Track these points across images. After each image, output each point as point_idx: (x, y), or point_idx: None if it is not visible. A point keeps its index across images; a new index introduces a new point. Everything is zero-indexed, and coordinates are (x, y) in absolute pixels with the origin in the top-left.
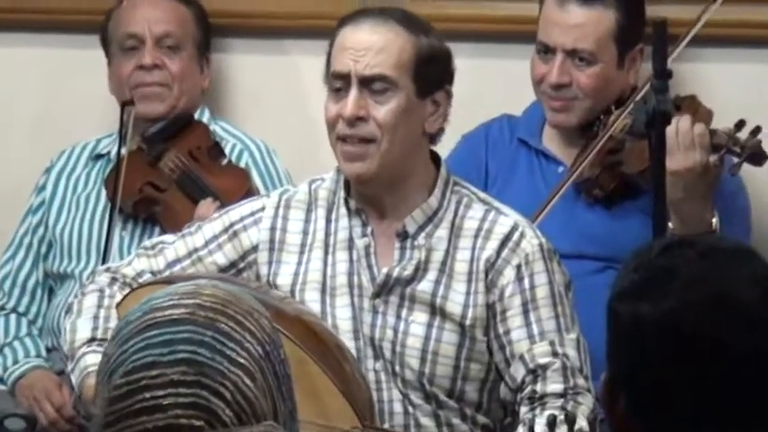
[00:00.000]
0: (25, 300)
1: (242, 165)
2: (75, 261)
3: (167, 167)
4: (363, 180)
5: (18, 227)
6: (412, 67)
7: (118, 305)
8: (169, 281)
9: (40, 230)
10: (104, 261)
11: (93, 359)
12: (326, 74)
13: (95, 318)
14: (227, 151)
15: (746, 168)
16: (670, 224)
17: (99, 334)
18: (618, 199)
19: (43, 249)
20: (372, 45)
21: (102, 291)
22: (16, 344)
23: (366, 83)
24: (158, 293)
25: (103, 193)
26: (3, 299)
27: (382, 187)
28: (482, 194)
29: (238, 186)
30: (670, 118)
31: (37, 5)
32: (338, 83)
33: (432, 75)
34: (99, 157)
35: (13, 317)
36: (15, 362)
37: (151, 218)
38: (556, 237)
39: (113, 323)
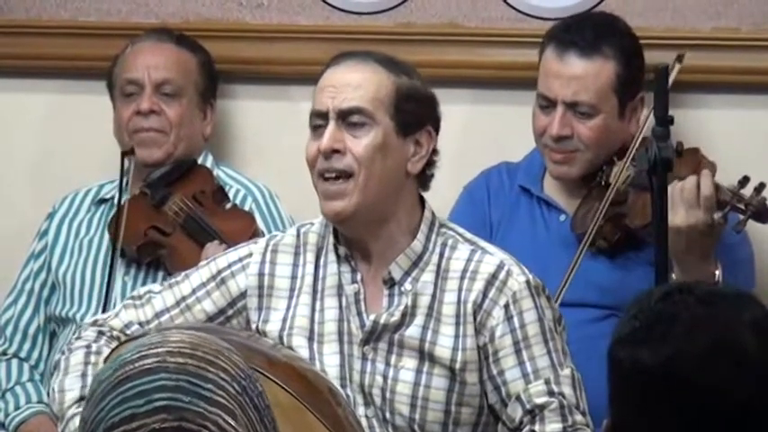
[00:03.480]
0: (27, 345)
1: (245, 210)
2: (77, 305)
3: (172, 211)
4: (342, 219)
5: (20, 272)
6: (390, 104)
7: (106, 360)
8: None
9: (42, 275)
10: (105, 306)
11: None
12: (309, 119)
13: (84, 375)
14: (230, 196)
15: (751, 223)
16: (673, 275)
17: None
18: (621, 250)
19: (45, 294)
20: (350, 81)
21: (89, 347)
22: (18, 389)
23: (343, 116)
24: (126, 348)
25: (106, 237)
26: (4, 344)
27: (364, 229)
28: (468, 235)
29: (244, 229)
30: (672, 165)
31: (39, 51)
32: (318, 121)
33: (412, 114)
34: (102, 202)
35: (14, 362)
36: (17, 407)
37: (155, 262)
38: (558, 285)
39: None
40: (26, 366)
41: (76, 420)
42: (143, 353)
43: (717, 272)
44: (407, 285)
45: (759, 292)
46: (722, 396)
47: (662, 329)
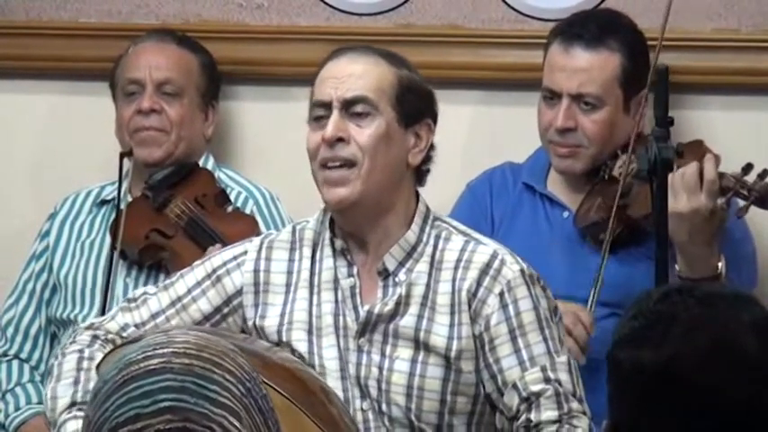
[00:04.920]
0: (28, 346)
1: (247, 212)
2: (78, 307)
3: (174, 214)
4: (344, 206)
5: (21, 273)
6: (393, 94)
7: (99, 365)
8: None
9: (44, 276)
10: (104, 308)
11: (74, 426)
12: (309, 110)
13: (76, 382)
14: (232, 198)
15: (755, 213)
16: (676, 266)
17: (79, 398)
18: (624, 243)
19: (46, 295)
20: (353, 72)
21: (81, 352)
22: (18, 390)
23: (347, 106)
24: (131, 348)
25: (108, 239)
26: (5, 345)
27: (363, 219)
28: (462, 227)
29: (246, 232)
30: (672, 165)
31: (39, 52)
32: (320, 111)
33: (413, 105)
34: (104, 203)
35: (15, 363)
36: (17, 408)
37: (156, 265)
38: (562, 281)
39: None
40: (27, 367)
41: (68, 426)
42: (148, 353)
43: (720, 264)
44: (401, 276)
45: (759, 291)
46: (722, 396)
47: (661, 330)
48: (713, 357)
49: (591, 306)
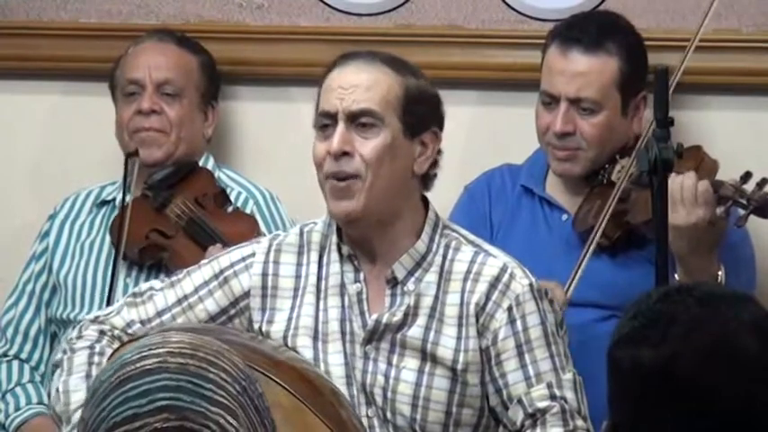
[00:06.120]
0: (27, 346)
1: (247, 212)
2: (78, 307)
3: (174, 214)
4: (351, 219)
5: (21, 273)
6: (399, 106)
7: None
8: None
9: (43, 277)
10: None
11: None
12: (315, 117)
13: (88, 376)
14: (231, 198)
15: (752, 219)
16: (676, 275)
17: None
18: (623, 248)
19: (46, 296)
20: (360, 83)
21: (92, 347)
22: (18, 390)
23: (353, 118)
24: (127, 349)
25: (108, 239)
26: (5, 345)
27: (370, 228)
28: (471, 237)
29: (247, 232)
30: (672, 166)
31: (39, 53)
32: (326, 121)
33: (419, 115)
34: (104, 203)
35: (15, 363)
36: (17, 408)
37: (156, 265)
38: (565, 284)
39: None
40: (27, 368)
41: None
42: (144, 353)
43: (720, 273)
44: (410, 285)
45: (759, 292)
46: (722, 396)
47: (661, 330)
48: (713, 357)
49: (568, 288)
